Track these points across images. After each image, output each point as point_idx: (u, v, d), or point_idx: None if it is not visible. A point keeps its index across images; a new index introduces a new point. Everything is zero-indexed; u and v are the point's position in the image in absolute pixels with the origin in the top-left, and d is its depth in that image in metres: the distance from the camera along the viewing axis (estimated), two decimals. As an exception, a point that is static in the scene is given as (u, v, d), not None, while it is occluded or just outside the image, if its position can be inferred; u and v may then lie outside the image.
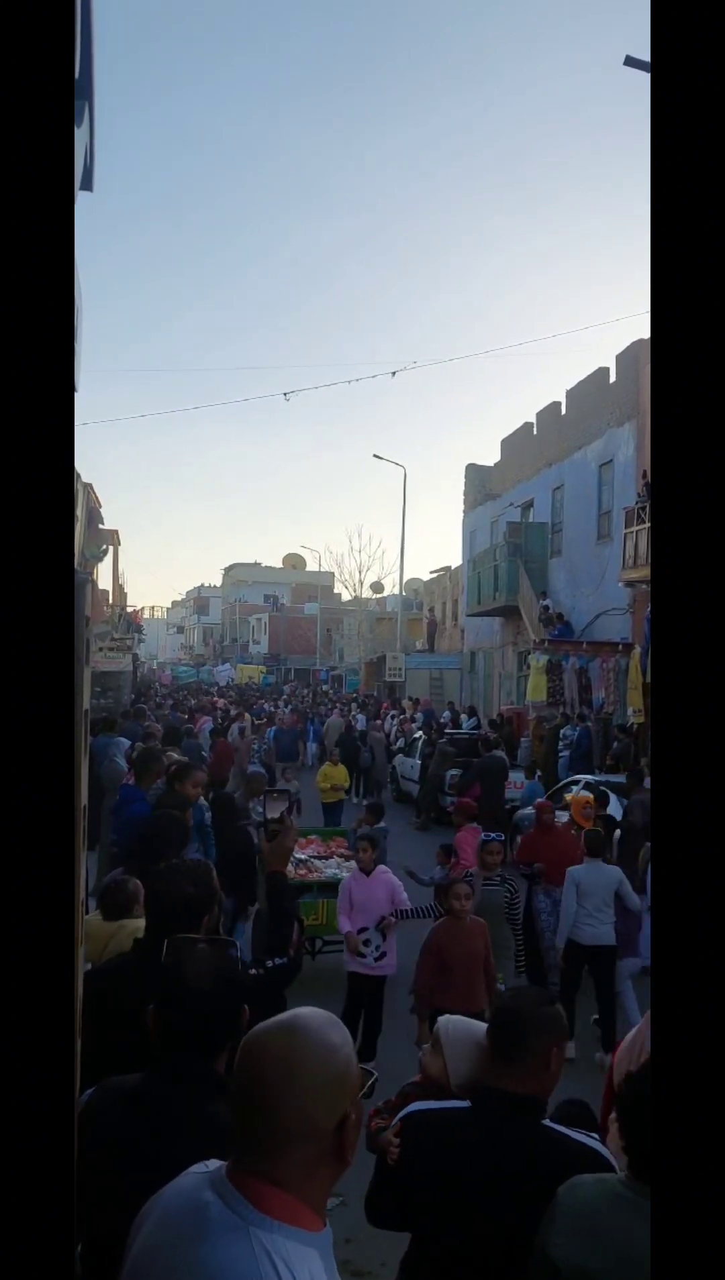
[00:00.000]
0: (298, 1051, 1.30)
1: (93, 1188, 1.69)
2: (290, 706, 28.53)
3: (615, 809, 9.97)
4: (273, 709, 27.57)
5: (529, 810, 12.16)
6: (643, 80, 9.54)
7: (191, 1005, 1.84)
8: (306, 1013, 1.37)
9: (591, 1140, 2.10)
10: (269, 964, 2.56)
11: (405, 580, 35.05)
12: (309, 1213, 1.27)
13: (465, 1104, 2.13)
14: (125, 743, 10.44)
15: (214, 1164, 1.38)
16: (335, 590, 52.28)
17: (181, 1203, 1.32)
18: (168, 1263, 1.27)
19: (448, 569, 35.16)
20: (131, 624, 32.96)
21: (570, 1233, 1.89)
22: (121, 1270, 1.36)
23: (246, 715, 21.61)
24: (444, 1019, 2.42)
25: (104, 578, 30.61)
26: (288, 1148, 1.27)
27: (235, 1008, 1.89)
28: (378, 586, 44.26)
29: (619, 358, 19.34)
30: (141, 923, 3.51)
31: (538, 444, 23.86)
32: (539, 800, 9.15)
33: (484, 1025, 2.31)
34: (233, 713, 23.25)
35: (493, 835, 6.72)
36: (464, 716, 22.62)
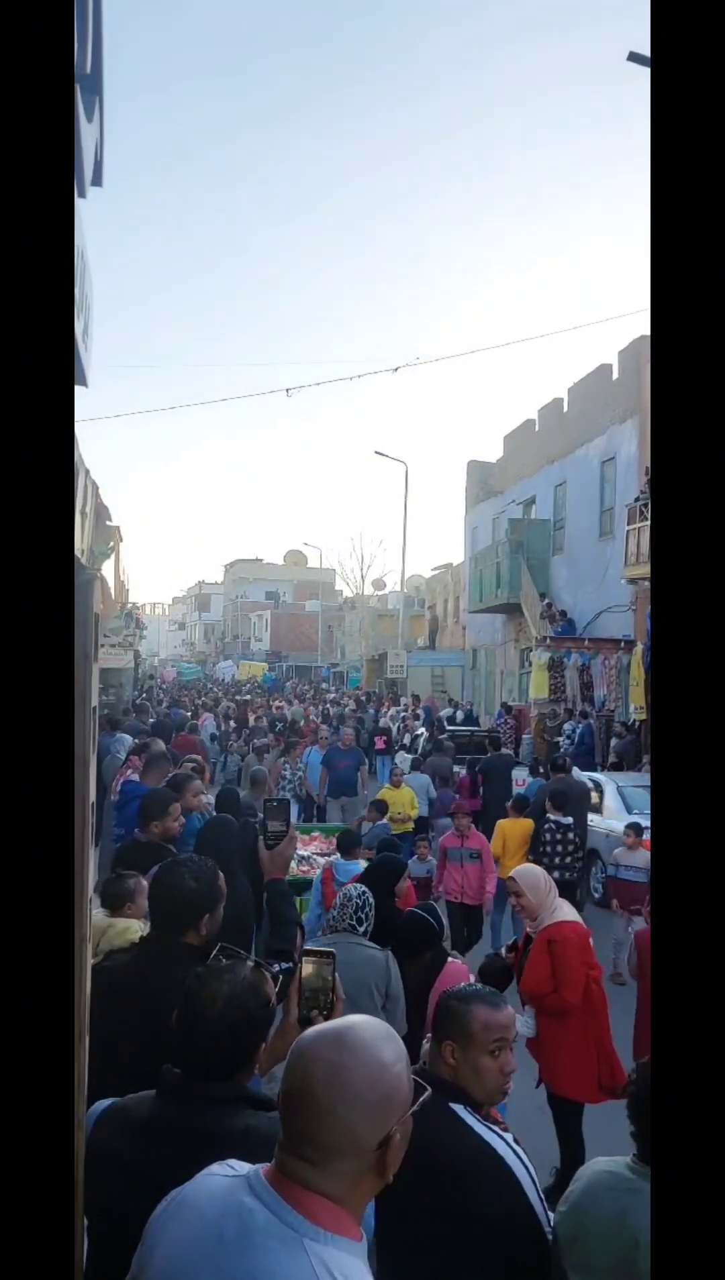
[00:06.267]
0: (347, 1066, 1.25)
1: (113, 1218, 1.61)
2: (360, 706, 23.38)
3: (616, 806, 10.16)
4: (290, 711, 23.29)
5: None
6: (647, 75, 9.51)
7: (214, 1031, 1.77)
8: (361, 1024, 1.33)
9: (494, 1138, 2.06)
10: (274, 968, 2.57)
11: (407, 577, 35.02)
12: (353, 1223, 1.25)
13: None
14: (127, 739, 10.47)
15: (242, 1166, 1.35)
16: (337, 587, 52.34)
17: (218, 1206, 1.28)
18: (209, 1269, 1.23)
19: (449, 566, 35.17)
20: (135, 621, 32.95)
21: (571, 1211, 1.98)
22: (140, 1269, 1.32)
23: (252, 710, 20.89)
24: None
25: (107, 575, 30.59)
26: (331, 1160, 1.24)
27: (258, 1034, 1.82)
28: (379, 584, 44.34)
29: (621, 354, 19.32)
30: (134, 923, 3.52)
31: (540, 441, 23.84)
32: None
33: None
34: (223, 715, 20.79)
35: None
36: (459, 714, 22.65)
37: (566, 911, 4.56)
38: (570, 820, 8.23)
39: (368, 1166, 1.25)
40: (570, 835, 8.18)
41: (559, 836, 8.11)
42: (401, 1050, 1.33)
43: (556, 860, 7.97)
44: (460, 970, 4.27)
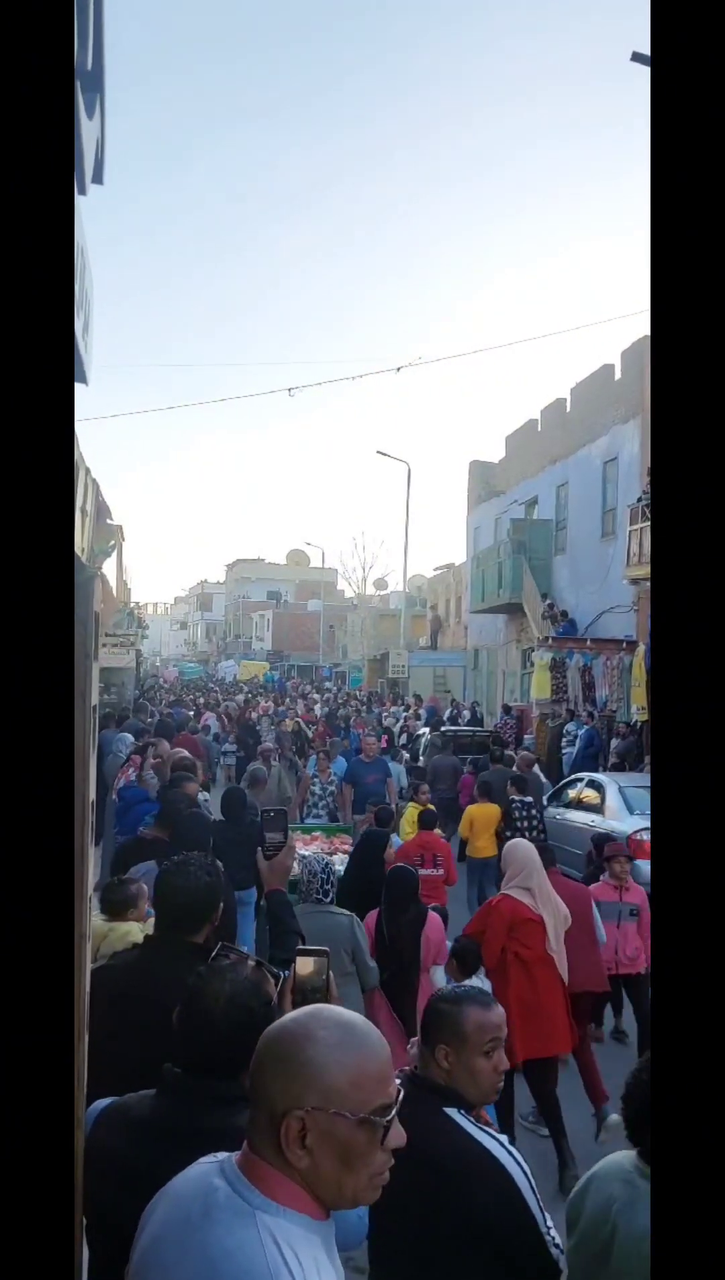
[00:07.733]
0: (286, 1026, 1.32)
1: (112, 1217, 1.61)
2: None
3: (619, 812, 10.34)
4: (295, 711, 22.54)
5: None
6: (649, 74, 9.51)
7: (216, 1030, 1.77)
8: (333, 1008, 1.39)
9: (490, 1141, 2.06)
10: (278, 974, 2.57)
11: (409, 577, 35.03)
12: (312, 1201, 1.29)
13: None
14: (129, 738, 10.49)
15: (223, 1154, 1.39)
16: (338, 587, 52.36)
17: (190, 1189, 1.35)
18: (176, 1246, 1.29)
19: (451, 566, 35.18)
20: (136, 620, 32.96)
21: (578, 1192, 2.09)
22: (131, 1257, 1.37)
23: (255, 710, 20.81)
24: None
25: (108, 574, 30.56)
26: (256, 1114, 1.31)
27: (260, 1033, 1.83)
28: (381, 583, 44.36)
29: (624, 354, 19.31)
30: (134, 926, 3.53)
31: (542, 441, 23.83)
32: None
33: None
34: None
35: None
36: (464, 714, 22.66)
37: (519, 892, 4.95)
38: (530, 799, 10.21)
39: (277, 1135, 1.26)
40: (532, 811, 10.08)
41: (524, 813, 9.96)
42: (351, 1043, 1.30)
43: (525, 831, 9.66)
44: (437, 922, 4.92)
